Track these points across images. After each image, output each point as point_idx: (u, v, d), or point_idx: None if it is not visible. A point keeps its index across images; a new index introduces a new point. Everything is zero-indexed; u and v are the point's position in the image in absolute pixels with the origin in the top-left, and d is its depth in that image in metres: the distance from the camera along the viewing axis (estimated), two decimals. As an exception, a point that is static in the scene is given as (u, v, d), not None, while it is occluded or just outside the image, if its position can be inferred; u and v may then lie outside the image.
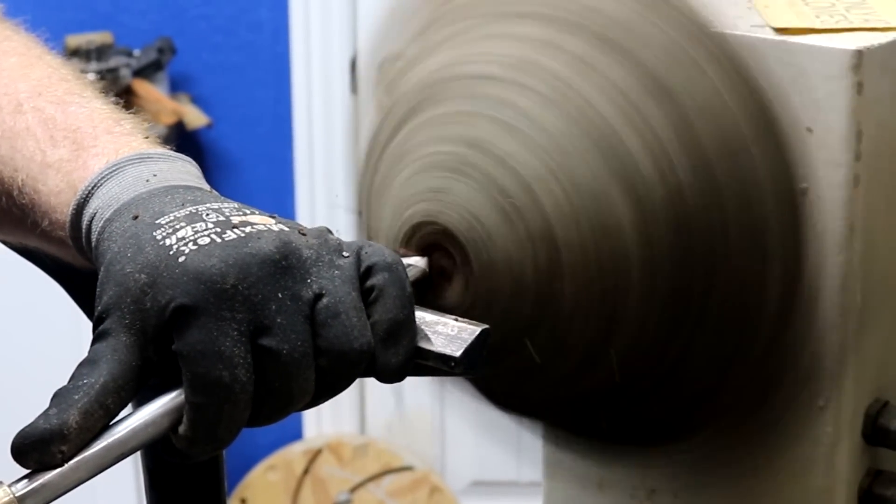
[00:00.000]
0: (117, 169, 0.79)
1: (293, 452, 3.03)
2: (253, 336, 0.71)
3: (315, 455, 3.03)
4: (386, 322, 0.74)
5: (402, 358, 0.75)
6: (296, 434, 3.09)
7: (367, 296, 0.75)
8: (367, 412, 3.15)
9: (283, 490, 3.01)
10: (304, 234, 0.75)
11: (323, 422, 3.11)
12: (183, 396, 0.72)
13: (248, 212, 0.75)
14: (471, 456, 3.09)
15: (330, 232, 0.77)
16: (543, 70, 0.82)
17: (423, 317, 0.77)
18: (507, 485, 3.09)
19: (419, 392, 2.95)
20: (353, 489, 3.02)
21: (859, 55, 0.85)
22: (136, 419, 0.71)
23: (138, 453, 0.80)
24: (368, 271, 0.75)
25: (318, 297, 0.73)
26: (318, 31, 2.97)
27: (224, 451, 0.85)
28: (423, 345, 0.77)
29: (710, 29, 0.84)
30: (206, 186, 0.79)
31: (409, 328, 0.75)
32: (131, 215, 0.75)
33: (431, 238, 0.83)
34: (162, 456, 0.73)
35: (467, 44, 0.86)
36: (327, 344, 0.73)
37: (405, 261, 0.79)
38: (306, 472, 3.02)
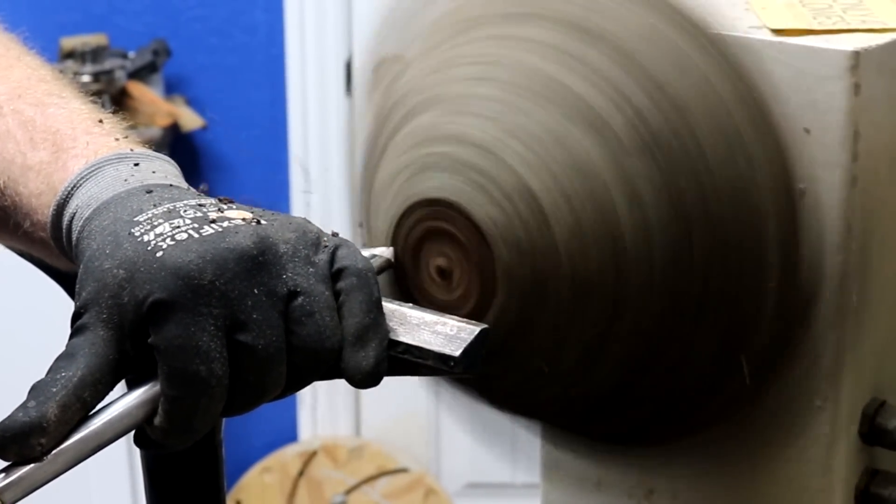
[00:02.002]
0: (96, 169, 0.80)
1: (288, 454, 3.03)
2: (229, 331, 0.72)
3: (310, 457, 3.03)
4: (353, 326, 0.75)
5: (372, 361, 0.76)
6: (291, 436, 3.09)
7: (336, 298, 0.76)
8: (362, 414, 3.15)
9: (279, 492, 3.01)
10: (282, 227, 0.75)
11: (318, 424, 3.11)
12: (157, 388, 0.72)
13: (225, 207, 0.76)
14: (466, 458, 3.09)
15: (310, 223, 0.78)
16: (508, 60, 0.83)
17: (422, 316, 0.78)
18: (502, 487, 3.09)
19: (414, 394, 2.95)
20: (349, 491, 3.02)
21: (856, 56, 0.85)
22: (111, 411, 0.72)
23: (138, 453, 0.81)
24: (339, 273, 0.76)
25: (293, 294, 0.74)
26: (313, 33, 2.97)
27: (224, 452, 0.85)
28: (422, 344, 0.77)
29: (708, 30, 0.84)
30: (185, 185, 0.80)
31: (376, 332, 0.76)
32: (110, 213, 0.76)
33: (425, 227, 0.83)
34: (137, 446, 0.74)
35: (451, 49, 0.87)
36: (300, 342, 0.74)
37: (369, 251, 0.80)
38: (301, 473, 3.02)
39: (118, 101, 2.76)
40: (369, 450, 3.05)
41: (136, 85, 2.83)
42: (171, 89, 2.95)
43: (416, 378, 0.80)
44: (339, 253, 0.76)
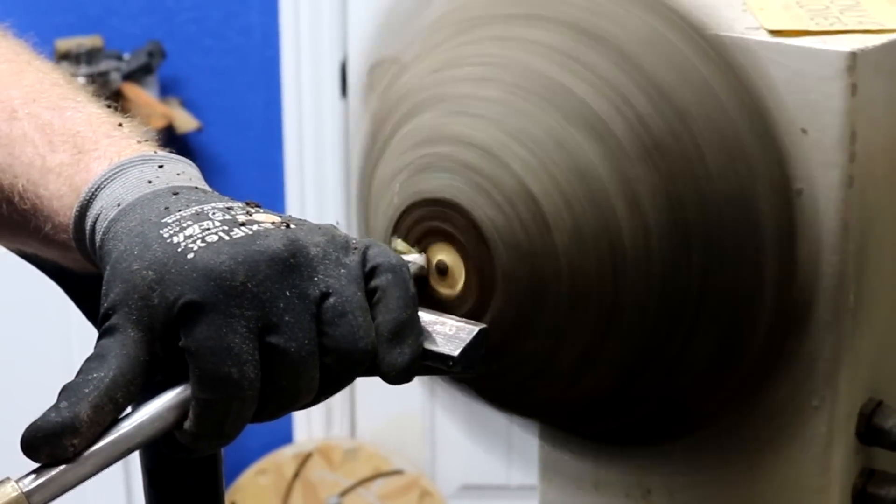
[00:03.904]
0: (120, 170, 0.79)
1: (283, 456, 3.03)
2: (261, 334, 0.72)
3: (305, 459, 3.03)
4: (390, 322, 0.75)
5: (408, 358, 0.75)
6: (286, 438, 3.10)
7: (371, 296, 0.75)
8: (357, 416, 3.15)
9: (274, 494, 3.01)
10: (311, 231, 0.75)
11: (313, 425, 3.11)
12: (188, 392, 0.72)
13: (252, 211, 0.76)
14: (461, 459, 3.09)
15: (337, 228, 0.77)
16: (510, 61, 0.83)
17: (421, 316, 0.78)
18: (498, 488, 3.09)
19: (410, 395, 2.95)
20: (344, 493, 3.02)
21: (853, 57, 0.86)
22: (141, 415, 0.71)
23: (136, 454, 0.80)
24: (373, 272, 0.75)
25: (325, 295, 0.73)
26: (308, 35, 2.97)
27: (223, 452, 0.85)
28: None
29: (706, 31, 0.84)
30: (208, 188, 0.79)
31: (413, 328, 0.75)
32: (136, 215, 0.75)
33: (424, 227, 0.83)
34: (164, 450, 0.74)
35: (452, 49, 0.87)
36: (333, 343, 0.73)
37: (404, 258, 0.79)
38: (296, 475, 3.02)
39: (114, 104, 2.75)
40: (364, 451, 3.05)
41: (130, 87, 2.84)
42: (165, 91, 2.95)
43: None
44: (370, 252, 0.76)
